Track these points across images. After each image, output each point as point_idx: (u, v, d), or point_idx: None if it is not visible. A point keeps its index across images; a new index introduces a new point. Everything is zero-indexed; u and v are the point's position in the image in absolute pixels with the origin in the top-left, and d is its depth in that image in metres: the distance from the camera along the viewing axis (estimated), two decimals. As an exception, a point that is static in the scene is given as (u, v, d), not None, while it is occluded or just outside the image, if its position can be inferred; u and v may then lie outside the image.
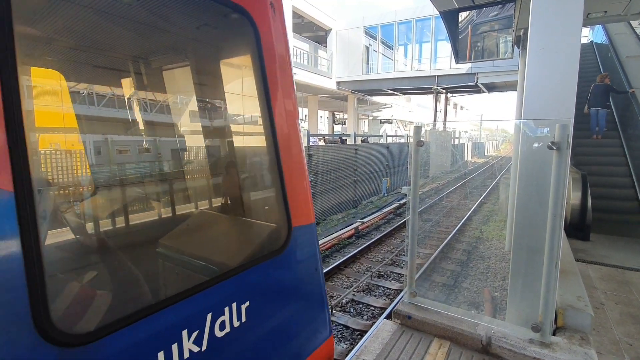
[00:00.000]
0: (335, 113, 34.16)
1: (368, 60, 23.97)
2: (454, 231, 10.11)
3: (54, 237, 1.49)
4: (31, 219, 0.93)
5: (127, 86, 1.68)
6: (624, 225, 6.55)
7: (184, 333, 1.30)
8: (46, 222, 1.18)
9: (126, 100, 1.69)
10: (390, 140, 21.03)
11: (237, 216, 1.98)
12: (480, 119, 49.60)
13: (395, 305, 2.93)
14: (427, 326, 2.67)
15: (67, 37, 1.42)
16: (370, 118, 36.40)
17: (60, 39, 1.44)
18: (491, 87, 23.23)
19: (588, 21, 7.25)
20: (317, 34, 23.96)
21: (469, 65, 19.05)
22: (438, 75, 21.56)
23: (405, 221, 10.35)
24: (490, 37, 7.93)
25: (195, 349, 1.34)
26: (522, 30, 7.90)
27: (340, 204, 13.20)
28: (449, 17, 7.70)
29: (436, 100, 23.48)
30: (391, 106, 32.14)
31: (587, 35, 15.86)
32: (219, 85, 1.91)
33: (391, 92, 24.60)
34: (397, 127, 36.43)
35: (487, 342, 2.43)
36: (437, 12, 7.88)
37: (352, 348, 4.64)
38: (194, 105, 1.98)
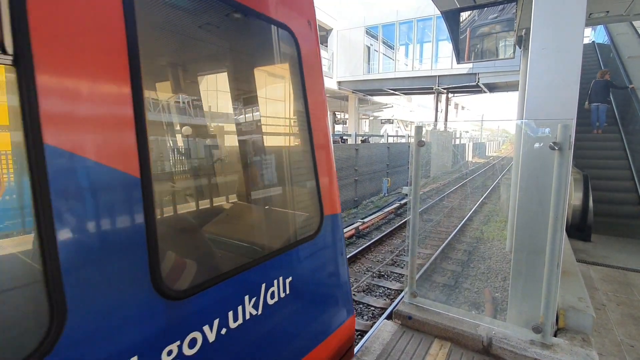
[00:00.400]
0: (336, 113, 34.13)
1: (369, 60, 23.95)
2: (455, 231, 10.10)
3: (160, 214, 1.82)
4: (151, 199, 1.24)
5: (212, 92, 2.03)
6: (623, 218, 6.65)
7: (246, 298, 1.64)
8: (160, 203, 1.47)
9: (206, 104, 2.09)
10: (391, 140, 21.01)
11: (285, 207, 2.34)
12: (481, 119, 49.56)
13: (396, 305, 2.92)
14: (427, 327, 2.66)
15: (171, 58, 1.78)
16: (371, 118, 36.37)
17: (167, 60, 1.80)
18: (492, 87, 23.19)
19: (590, 21, 7.23)
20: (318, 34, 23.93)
21: (470, 65, 19.01)
22: (439, 76, 21.51)
23: (405, 221, 10.34)
24: (492, 37, 7.92)
25: (254, 312, 1.68)
26: (524, 30, 7.88)
27: (341, 204, 13.17)
28: (451, 17, 7.68)
29: (437, 101, 23.45)
30: (392, 106, 32.11)
31: (589, 35, 15.82)
32: (271, 90, 2.26)
33: (392, 92, 24.57)
34: (398, 127, 36.40)
35: (488, 343, 2.42)
36: (439, 12, 7.86)
37: (353, 348, 4.64)
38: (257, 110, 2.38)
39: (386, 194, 16.34)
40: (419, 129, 2.90)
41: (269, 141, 2.38)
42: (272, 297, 1.80)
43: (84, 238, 1.10)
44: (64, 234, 1.04)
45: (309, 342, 2.16)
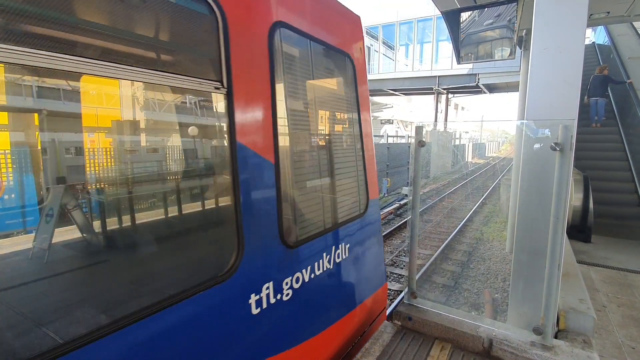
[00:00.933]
0: (336, 113, 34.06)
1: (369, 60, 23.93)
2: (455, 232, 10.09)
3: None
4: (279, 179, 1.91)
5: (312, 104, 2.67)
6: (619, 206, 6.84)
7: (324, 254, 2.36)
8: (282, 182, 2.06)
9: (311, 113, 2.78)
10: (390, 140, 20.98)
11: (347, 191, 2.90)
12: (481, 120, 49.59)
13: (396, 306, 2.91)
14: (427, 328, 2.64)
15: (292, 86, 2.41)
16: (371, 118, 36.32)
17: (289, 88, 2.41)
18: (492, 88, 23.17)
19: (591, 22, 7.23)
20: (319, 34, 23.91)
21: (470, 65, 19.00)
22: (439, 76, 21.51)
23: (405, 222, 10.31)
24: (493, 37, 7.91)
25: (328, 266, 2.39)
26: (525, 31, 7.87)
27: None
28: (451, 18, 7.67)
29: (437, 101, 23.44)
30: (392, 106, 32.09)
31: (589, 36, 15.81)
32: (341, 99, 2.95)
33: (392, 92, 24.56)
34: (398, 128, 36.38)
35: (488, 344, 2.41)
36: (439, 12, 7.85)
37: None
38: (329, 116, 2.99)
39: (386, 194, 16.32)
40: (419, 129, 2.88)
41: (341, 139, 3.02)
42: (338, 257, 2.52)
43: (252, 202, 1.76)
44: (244, 197, 1.72)
45: (361, 295, 2.87)
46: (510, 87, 21.94)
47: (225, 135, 1.70)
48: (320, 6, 2.42)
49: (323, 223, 2.52)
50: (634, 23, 10.78)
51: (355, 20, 2.88)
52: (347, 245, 2.60)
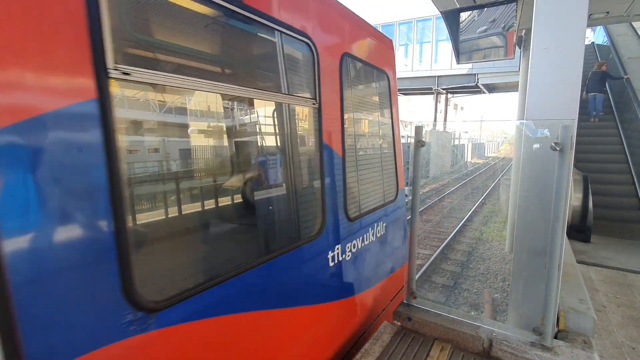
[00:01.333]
0: (336, 113, 34.02)
1: (369, 61, 23.87)
2: (454, 232, 10.09)
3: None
4: (345, 167, 2.67)
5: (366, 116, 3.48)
6: (615, 197, 7.04)
7: (369, 229, 3.04)
8: (348, 169, 2.71)
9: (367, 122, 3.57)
10: (390, 140, 20.94)
11: (384, 181, 3.51)
12: (480, 119, 49.62)
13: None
14: (427, 328, 2.63)
15: (357, 97, 3.13)
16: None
17: (355, 100, 3.07)
18: (491, 88, 23.17)
19: (590, 22, 7.24)
20: (318, 34, 23.85)
21: (470, 65, 19.00)
22: (438, 76, 21.50)
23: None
24: (492, 37, 7.91)
25: (372, 239, 3.09)
26: (524, 31, 7.88)
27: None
28: (451, 17, 7.67)
29: (436, 101, 23.44)
30: (391, 106, 32.04)
31: (589, 36, 15.82)
32: (382, 110, 3.65)
33: (392, 92, 24.52)
34: (398, 128, 36.33)
35: (488, 345, 2.40)
36: (438, 12, 7.84)
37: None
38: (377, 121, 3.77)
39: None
40: (419, 128, 2.87)
41: (383, 139, 3.68)
42: (378, 233, 3.18)
43: (331, 185, 2.47)
44: (327, 181, 2.44)
45: (393, 266, 3.60)
46: (510, 87, 21.95)
47: (316, 138, 2.39)
48: (368, 36, 3.15)
49: (370, 204, 3.15)
50: (633, 23, 10.80)
51: (389, 44, 3.60)
52: (385, 224, 3.32)
